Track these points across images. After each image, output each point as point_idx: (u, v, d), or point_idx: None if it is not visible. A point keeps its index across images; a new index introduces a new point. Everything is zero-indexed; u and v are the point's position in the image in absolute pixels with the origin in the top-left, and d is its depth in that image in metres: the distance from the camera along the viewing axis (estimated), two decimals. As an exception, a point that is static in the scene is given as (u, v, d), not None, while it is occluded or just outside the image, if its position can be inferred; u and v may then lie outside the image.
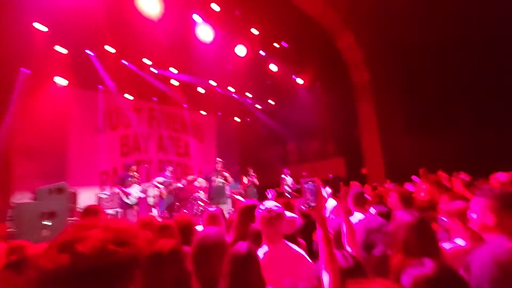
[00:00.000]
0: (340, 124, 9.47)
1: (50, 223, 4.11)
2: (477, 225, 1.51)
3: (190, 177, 7.32)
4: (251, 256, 1.38)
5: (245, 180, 8.09)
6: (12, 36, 5.36)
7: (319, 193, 1.37)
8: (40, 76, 6.48)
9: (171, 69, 8.18)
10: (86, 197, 6.64)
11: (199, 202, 7.53)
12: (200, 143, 10.31)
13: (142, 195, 5.77)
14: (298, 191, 8.08)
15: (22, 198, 5.22)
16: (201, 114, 10.17)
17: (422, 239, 1.52)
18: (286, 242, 1.88)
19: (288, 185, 8.42)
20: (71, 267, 0.53)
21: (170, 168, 6.97)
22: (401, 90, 8.18)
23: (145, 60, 7.62)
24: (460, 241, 1.73)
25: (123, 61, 7.41)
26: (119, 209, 5.63)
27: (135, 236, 0.62)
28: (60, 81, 6.86)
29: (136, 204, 5.66)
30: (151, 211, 6.27)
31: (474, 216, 1.51)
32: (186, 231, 2.69)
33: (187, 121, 9.95)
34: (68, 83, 7.00)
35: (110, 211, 5.86)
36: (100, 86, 7.76)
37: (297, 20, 7.37)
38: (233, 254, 1.36)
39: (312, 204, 1.38)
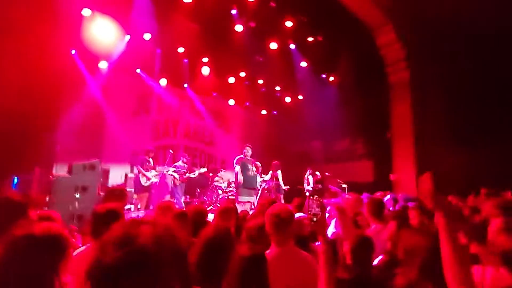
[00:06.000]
0: (371, 125, 8.99)
1: (79, 196, 4.50)
2: None
3: (202, 170, 7.36)
4: (261, 259, 1.37)
5: (266, 177, 7.93)
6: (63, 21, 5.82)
7: (323, 210, 1.37)
8: (87, 60, 7.00)
9: (204, 59, 8.34)
10: (117, 175, 7.15)
11: (219, 191, 7.73)
12: (225, 133, 10.48)
13: (156, 180, 6.02)
14: (318, 192, 7.91)
15: (61, 171, 5.76)
16: (229, 104, 10.29)
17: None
18: (295, 246, 1.85)
19: (310, 185, 8.31)
20: (131, 260, 0.57)
21: (185, 159, 7.08)
22: (444, 94, 7.47)
23: (180, 50, 7.84)
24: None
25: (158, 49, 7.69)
26: (133, 190, 5.94)
27: (176, 231, 0.67)
28: (103, 65, 7.35)
29: (150, 187, 5.94)
30: (165, 197, 6.56)
31: None
32: (199, 221, 2.79)
33: (214, 110, 10.15)
34: (108, 67, 7.46)
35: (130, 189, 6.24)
36: (138, 71, 8.18)
37: (335, 14, 7.01)
38: (244, 255, 1.36)
39: (315, 219, 1.38)
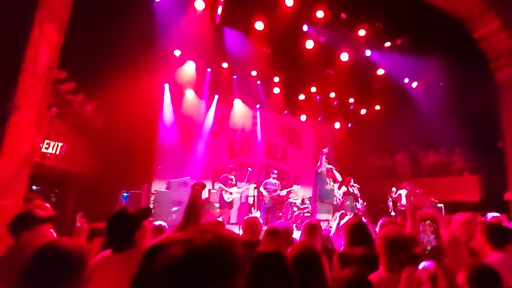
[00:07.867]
0: (474, 133, 7.54)
1: (176, 209, 5.11)
2: None
3: (295, 187, 7.42)
4: (369, 285, 1.30)
5: (343, 189, 7.59)
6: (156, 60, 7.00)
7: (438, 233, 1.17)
8: (176, 91, 8.20)
9: (275, 79, 8.68)
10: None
11: (294, 208, 7.60)
12: (297, 148, 10.42)
13: (237, 196, 6.29)
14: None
15: (159, 187, 6.71)
16: (300, 120, 10.27)
17: None
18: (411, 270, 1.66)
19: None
20: (185, 260, 0.61)
21: (275, 175, 7.17)
22: None
23: (253, 73, 8.39)
24: None
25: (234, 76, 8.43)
26: (218, 204, 6.37)
27: (235, 242, 0.68)
28: (190, 93, 8.47)
29: (232, 203, 6.24)
30: (251, 211, 6.78)
31: None
32: (285, 238, 2.79)
33: (286, 127, 10.26)
34: (194, 95, 8.54)
35: (216, 204, 6.74)
36: (215, 96, 9.08)
37: (416, 13, 6.37)
38: (350, 277, 1.31)
39: (429, 248, 1.18)
